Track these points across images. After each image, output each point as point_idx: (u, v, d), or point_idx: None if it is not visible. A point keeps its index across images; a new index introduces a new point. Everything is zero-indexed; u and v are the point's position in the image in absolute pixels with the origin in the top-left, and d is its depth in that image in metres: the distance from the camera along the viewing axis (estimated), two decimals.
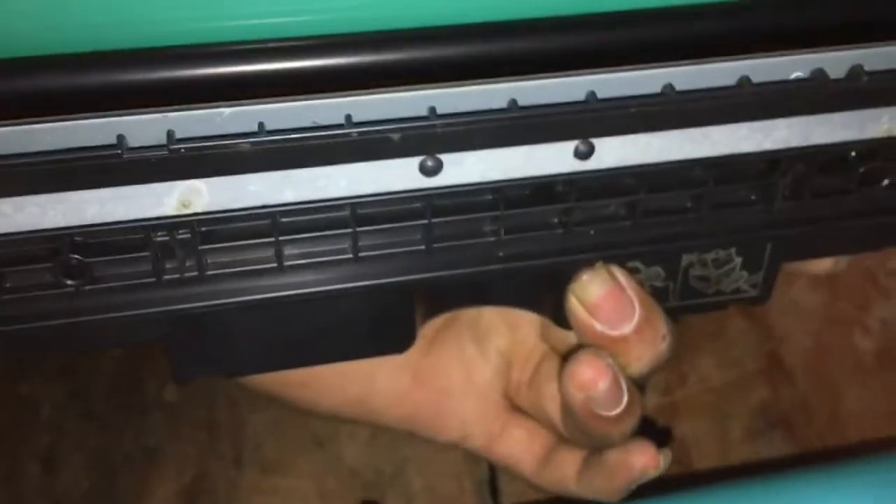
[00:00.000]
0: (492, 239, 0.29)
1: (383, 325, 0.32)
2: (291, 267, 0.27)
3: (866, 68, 0.27)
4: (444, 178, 0.26)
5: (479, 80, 0.25)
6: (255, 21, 0.25)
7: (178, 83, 0.25)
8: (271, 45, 0.25)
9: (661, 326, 0.32)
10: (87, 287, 0.26)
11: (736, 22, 0.27)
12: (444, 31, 0.26)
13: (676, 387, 0.46)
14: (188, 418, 0.46)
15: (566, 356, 0.33)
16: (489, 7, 0.27)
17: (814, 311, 0.48)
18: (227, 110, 0.24)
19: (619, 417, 0.32)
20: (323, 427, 0.46)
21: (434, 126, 0.25)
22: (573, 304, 0.31)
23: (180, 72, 0.25)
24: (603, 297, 0.31)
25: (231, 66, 0.25)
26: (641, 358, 0.31)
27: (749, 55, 0.26)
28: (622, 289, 0.31)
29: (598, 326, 0.31)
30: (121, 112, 0.24)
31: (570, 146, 0.26)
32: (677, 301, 0.34)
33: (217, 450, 0.46)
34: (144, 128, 0.24)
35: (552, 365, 0.36)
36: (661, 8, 0.27)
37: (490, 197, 0.28)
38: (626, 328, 0.31)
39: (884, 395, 0.45)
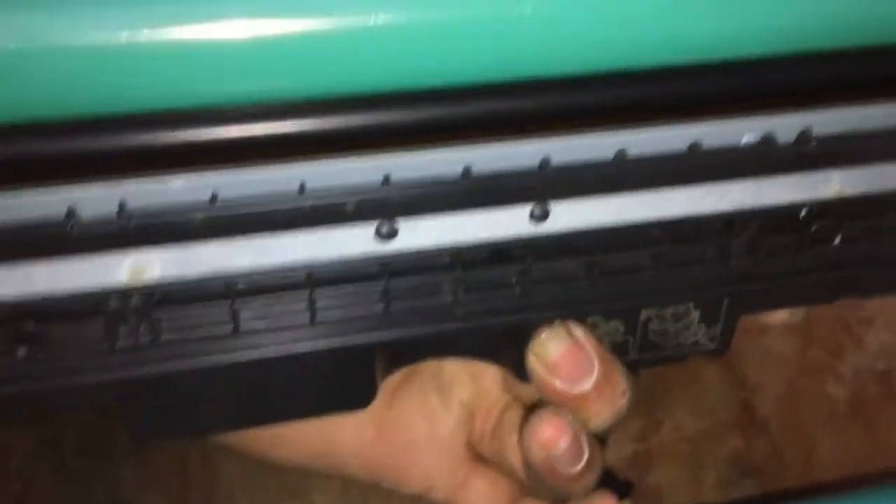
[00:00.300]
0: (450, 298, 0.29)
1: (344, 382, 0.32)
2: (248, 330, 0.27)
3: (815, 132, 0.27)
4: (400, 243, 0.26)
5: (433, 146, 0.26)
6: (209, 88, 0.26)
7: (129, 151, 0.25)
8: (227, 112, 0.26)
9: (621, 382, 0.32)
10: (40, 355, 0.26)
11: (689, 86, 0.28)
12: (398, 97, 0.26)
13: (651, 434, 0.46)
14: (160, 469, 0.46)
15: (529, 409, 0.33)
16: (441, 72, 0.27)
17: (787, 358, 0.48)
18: (179, 181, 0.24)
19: (580, 474, 0.32)
20: (295, 478, 0.45)
21: (388, 194, 0.25)
22: (533, 362, 0.31)
23: (132, 139, 0.25)
24: (562, 356, 0.31)
25: (185, 132, 0.25)
26: (601, 414, 0.31)
27: (700, 120, 0.27)
28: (581, 346, 0.31)
29: (558, 384, 0.31)
30: (72, 183, 0.24)
31: (525, 209, 0.27)
32: (637, 355, 0.34)
33: (189, 501, 0.45)
34: (96, 199, 0.24)
35: (515, 415, 0.36)
36: (615, 73, 0.27)
37: (447, 258, 0.28)
38: (586, 385, 0.31)
39: (857, 445, 0.45)
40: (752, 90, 0.28)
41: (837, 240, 0.30)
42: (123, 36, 0.24)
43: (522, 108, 0.27)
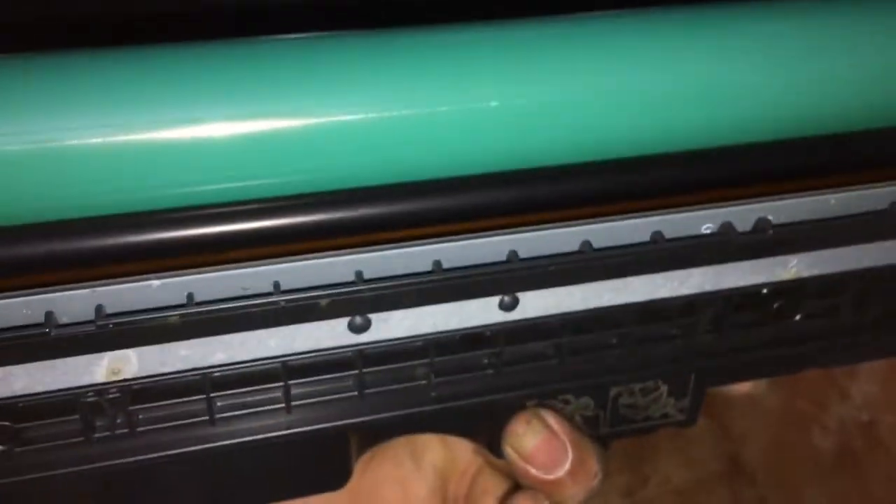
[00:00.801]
0: (423, 382, 0.30)
1: (319, 465, 0.32)
2: (223, 419, 0.28)
3: (773, 219, 0.28)
4: (373, 334, 0.27)
5: (404, 243, 0.26)
6: (182, 190, 0.26)
7: (106, 251, 0.25)
8: (200, 212, 0.26)
9: (593, 465, 0.33)
10: (18, 450, 0.26)
11: (650, 175, 0.29)
12: (367, 192, 0.27)
13: (638, 489, 0.47)
14: None
15: (508, 491, 0.34)
16: (412, 167, 0.28)
17: (773, 410, 0.48)
18: (155, 282, 0.25)
19: None
20: None
21: (361, 291, 0.25)
22: (509, 452, 0.32)
23: (107, 240, 0.25)
24: (537, 447, 0.32)
25: (161, 233, 0.26)
26: (575, 496, 0.33)
27: (661, 211, 0.28)
28: (555, 435, 0.32)
29: (533, 471, 0.32)
30: (49, 288, 0.24)
31: (494, 299, 0.27)
32: (608, 428, 0.34)
33: None
34: (73, 302, 0.24)
35: (488, 479, 0.37)
36: (577, 164, 0.28)
37: (420, 343, 0.29)
38: (560, 472, 0.32)
39: (843, 495, 0.46)
40: (711, 179, 0.29)
41: (798, 316, 0.32)
42: (94, 139, 0.25)
43: (491, 200, 0.28)
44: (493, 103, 0.28)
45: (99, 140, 0.25)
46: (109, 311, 0.25)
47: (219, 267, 0.25)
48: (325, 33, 0.28)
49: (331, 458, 0.32)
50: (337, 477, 0.33)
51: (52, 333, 0.24)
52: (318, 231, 0.27)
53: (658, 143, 0.28)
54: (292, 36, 0.28)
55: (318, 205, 0.27)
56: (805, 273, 0.30)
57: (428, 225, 0.27)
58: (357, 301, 0.26)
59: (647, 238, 0.28)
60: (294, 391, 0.29)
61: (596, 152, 0.28)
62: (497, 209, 0.27)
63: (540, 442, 0.32)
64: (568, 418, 0.33)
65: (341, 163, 0.27)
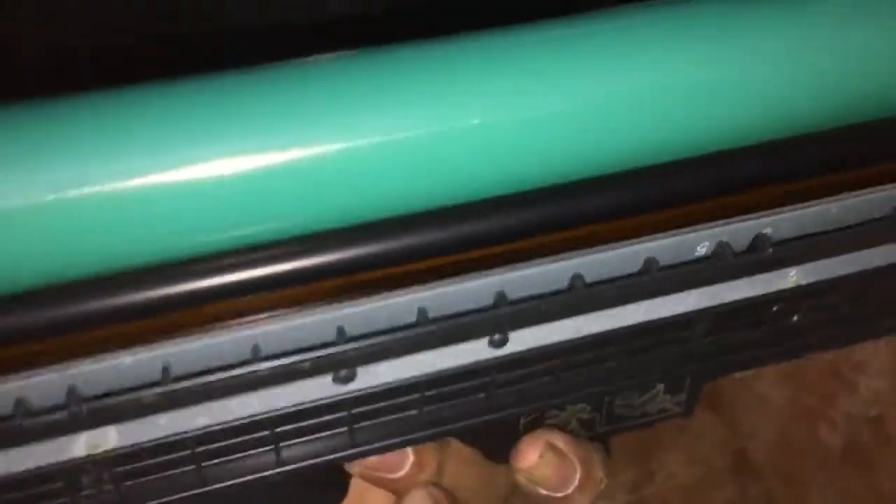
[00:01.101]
0: (415, 412, 0.29)
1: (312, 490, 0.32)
2: (212, 478, 0.27)
3: (771, 234, 0.27)
4: (360, 383, 0.26)
5: (386, 294, 0.25)
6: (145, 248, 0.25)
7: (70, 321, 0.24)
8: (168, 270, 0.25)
9: (599, 473, 0.33)
10: None
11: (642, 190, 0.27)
12: (338, 234, 0.26)
13: (644, 484, 0.47)
14: None
15: None
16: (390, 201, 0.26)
17: (779, 405, 0.48)
18: (128, 358, 0.24)
19: None
20: None
21: (344, 349, 0.24)
22: (520, 479, 0.32)
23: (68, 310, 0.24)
24: (552, 474, 0.32)
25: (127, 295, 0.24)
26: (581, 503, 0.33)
27: (652, 236, 0.26)
28: (564, 457, 0.32)
29: (545, 492, 0.33)
30: (18, 375, 0.23)
31: (484, 339, 0.26)
32: (605, 428, 0.34)
33: None
34: (44, 386, 0.23)
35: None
36: (567, 184, 0.27)
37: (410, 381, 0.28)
38: (570, 489, 0.33)
39: (851, 490, 0.46)
40: (705, 187, 0.27)
41: (795, 318, 0.31)
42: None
43: (470, 232, 0.26)
44: (475, 121, 0.26)
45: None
46: (83, 390, 0.24)
47: (194, 335, 0.24)
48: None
49: (324, 484, 0.32)
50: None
51: (24, 423, 0.23)
52: (297, 277, 0.26)
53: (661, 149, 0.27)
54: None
55: (299, 250, 0.25)
56: (805, 280, 0.29)
57: (406, 262, 0.26)
58: (341, 359, 0.25)
59: (640, 264, 0.26)
60: (283, 443, 0.28)
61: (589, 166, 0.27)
62: (475, 240, 0.26)
63: (553, 470, 0.32)
64: (568, 430, 0.32)
65: (308, 204, 0.26)
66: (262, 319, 0.25)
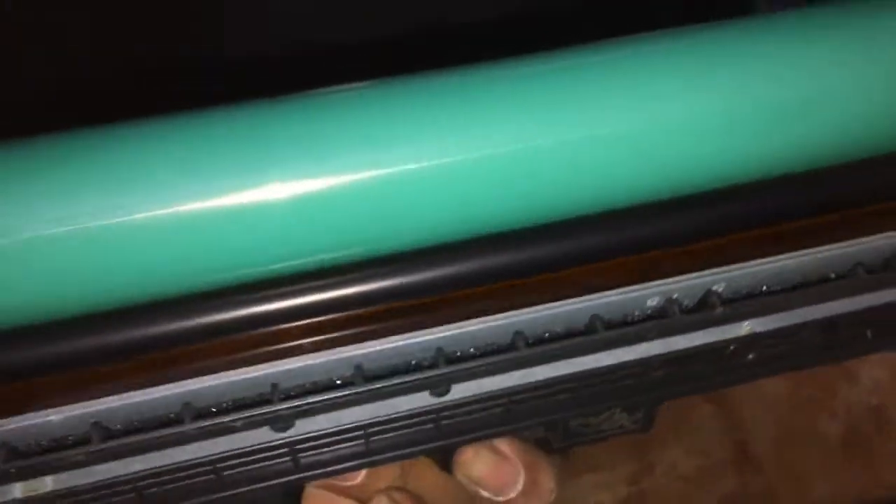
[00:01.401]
0: (362, 445, 0.29)
1: None
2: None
3: (722, 290, 0.26)
4: (298, 430, 0.26)
5: (322, 352, 0.25)
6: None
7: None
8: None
9: (548, 482, 0.33)
10: None
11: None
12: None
13: (644, 477, 0.46)
14: None
15: None
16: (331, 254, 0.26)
17: (780, 396, 0.47)
18: (55, 417, 0.24)
19: None
20: None
21: (277, 411, 0.24)
22: (461, 478, 0.32)
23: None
24: (487, 473, 0.31)
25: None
26: None
27: (599, 294, 0.26)
28: (506, 460, 0.32)
29: (485, 494, 0.32)
30: None
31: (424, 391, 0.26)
32: (561, 444, 0.34)
33: None
34: None
35: None
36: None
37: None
38: (513, 493, 0.32)
39: (852, 481, 0.46)
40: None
41: (751, 356, 0.30)
42: None
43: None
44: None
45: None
46: (14, 444, 0.24)
47: (122, 395, 0.24)
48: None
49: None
50: None
51: None
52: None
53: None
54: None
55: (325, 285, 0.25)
56: (760, 328, 0.28)
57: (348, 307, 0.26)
58: (273, 417, 0.24)
59: (586, 321, 0.26)
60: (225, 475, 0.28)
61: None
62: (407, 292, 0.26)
63: (489, 468, 0.32)
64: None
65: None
66: (192, 382, 0.24)
